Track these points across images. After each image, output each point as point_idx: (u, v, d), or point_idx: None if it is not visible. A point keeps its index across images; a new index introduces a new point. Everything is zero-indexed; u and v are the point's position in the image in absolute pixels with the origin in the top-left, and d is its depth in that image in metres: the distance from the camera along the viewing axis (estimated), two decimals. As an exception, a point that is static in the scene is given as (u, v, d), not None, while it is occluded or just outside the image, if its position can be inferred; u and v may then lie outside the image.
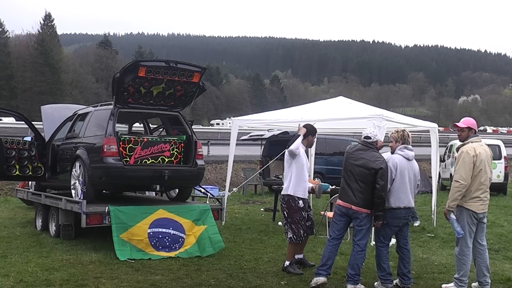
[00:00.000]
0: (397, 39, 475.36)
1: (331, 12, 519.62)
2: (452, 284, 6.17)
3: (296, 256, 7.11)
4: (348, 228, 6.69)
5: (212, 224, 8.36)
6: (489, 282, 6.15)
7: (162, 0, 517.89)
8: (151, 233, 7.80)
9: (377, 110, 10.46)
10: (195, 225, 8.18)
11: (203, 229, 8.19)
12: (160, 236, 7.84)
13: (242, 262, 7.47)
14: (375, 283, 6.29)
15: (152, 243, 7.73)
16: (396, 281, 6.26)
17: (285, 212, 7.00)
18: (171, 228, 7.96)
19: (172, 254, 7.74)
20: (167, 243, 7.82)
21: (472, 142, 6.07)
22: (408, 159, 6.17)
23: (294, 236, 6.90)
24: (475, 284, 6.24)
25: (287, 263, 6.93)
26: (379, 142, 6.39)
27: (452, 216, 5.99)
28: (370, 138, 6.24)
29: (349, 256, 6.32)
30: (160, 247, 7.75)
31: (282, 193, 7.08)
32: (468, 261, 6.02)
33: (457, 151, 6.22)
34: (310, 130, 7.12)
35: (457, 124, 6.21)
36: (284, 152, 7.13)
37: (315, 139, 7.26)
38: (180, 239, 7.94)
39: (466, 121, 6.21)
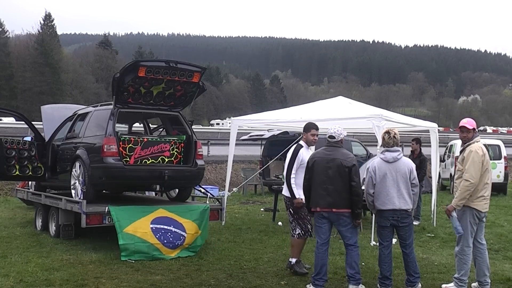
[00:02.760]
0: (397, 39, 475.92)
1: (331, 12, 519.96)
2: (452, 284, 6.17)
3: (290, 259, 7.03)
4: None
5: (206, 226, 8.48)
6: (489, 282, 6.15)
7: (162, 0, 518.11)
8: (154, 228, 7.85)
9: (377, 110, 10.46)
10: (195, 225, 8.19)
11: (201, 228, 8.26)
12: (163, 231, 7.87)
13: (242, 262, 7.47)
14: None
15: (157, 236, 7.76)
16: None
17: (290, 210, 6.92)
18: (172, 226, 7.99)
19: (174, 252, 7.76)
20: (170, 238, 7.85)
21: (477, 142, 6.09)
22: (388, 162, 6.09)
23: (302, 232, 6.84)
24: (475, 284, 6.24)
25: (293, 260, 6.85)
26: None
27: (454, 214, 5.99)
28: (334, 137, 6.16)
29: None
30: (165, 241, 7.77)
31: (284, 194, 7.01)
32: (468, 260, 6.02)
33: (461, 152, 6.19)
34: (304, 128, 7.04)
35: (465, 125, 6.15)
36: (284, 152, 7.12)
37: (315, 137, 6.97)
38: (181, 237, 7.95)
39: (471, 123, 6.21)
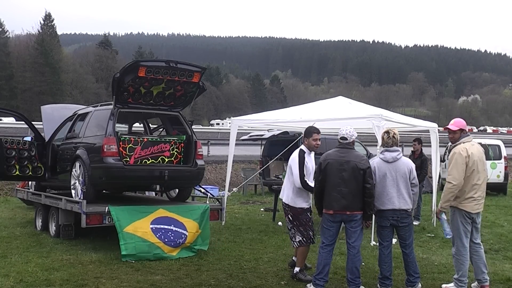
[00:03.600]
0: (397, 39, 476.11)
1: (331, 12, 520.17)
2: (452, 284, 6.17)
3: (294, 258, 6.95)
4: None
5: (207, 225, 8.43)
6: (487, 279, 6.13)
7: (162, 0, 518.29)
8: (154, 228, 7.84)
9: (377, 110, 10.45)
10: (196, 223, 8.18)
11: (201, 227, 8.25)
12: (163, 230, 7.87)
13: (242, 262, 7.47)
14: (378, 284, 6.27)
15: (157, 235, 7.76)
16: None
17: (289, 216, 6.69)
18: (172, 225, 7.98)
19: (176, 251, 7.75)
20: (172, 237, 7.84)
21: (463, 142, 6.06)
22: (388, 162, 6.08)
23: (304, 239, 6.60)
24: (474, 284, 6.24)
25: (297, 269, 6.64)
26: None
27: (443, 216, 6.02)
28: (346, 139, 6.10)
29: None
30: (166, 240, 7.76)
31: (283, 200, 6.78)
32: (465, 261, 6.01)
33: (449, 152, 6.20)
34: (305, 133, 6.73)
35: (449, 127, 6.18)
36: (284, 152, 7.01)
37: (318, 142, 6.64)
38: (183, 235, 7.95)
39: (457, 123, 6.20)
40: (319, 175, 6.10)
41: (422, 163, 10.90)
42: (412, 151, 11.45)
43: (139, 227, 7.76)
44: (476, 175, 5.96)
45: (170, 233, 7.87)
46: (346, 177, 5.93)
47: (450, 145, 6.33)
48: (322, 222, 6.23)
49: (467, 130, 6.22)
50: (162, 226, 7.91)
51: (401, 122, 10.67)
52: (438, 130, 11.77)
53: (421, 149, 11.35)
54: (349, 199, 5.93)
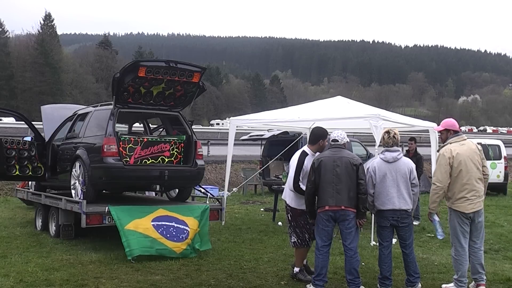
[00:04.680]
0: (397, 39, 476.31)
1: (331, 12, 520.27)
2: (452, 284, 6.17)
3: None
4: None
5: (206, 224, 8.40)
6: (484, 278, 6.11)
7: (162, 0, 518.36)
8: (155, 225, 7.84)
9: (375, 110, 10.46)
10: (197, 221, 8.17)
11: (200, 225, 8.23)
12: (164, 227, 7.86)
13: (242, 262, 7.47)
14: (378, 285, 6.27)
15: (159, 231, 7.75)
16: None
17: (288, 215, 6.69)
18: (173, 222, 7.98)
19: (181, 246, 7.72)
20: (174, 233, 7.83)
21: (450, 143, 6.05)
22: (388, 162, 6.11)
23: (299, 241, 6.58)
24: (473, 284, 6.22)
25: (296, 269, 6.64)
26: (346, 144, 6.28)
27: (436, 218, 6.06)
28: (338, 141, 6.17)
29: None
30: (168, 235, 7.75)
31: (284, 199, 6.77)
32: (464, 261, 5.99)
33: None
34: (320, 135, 6.60)
35: (434, 128, 6.22)
36: (284, 152, 6.99)
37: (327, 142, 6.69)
38: (185, 231, 7.94)
39: (443, 123, 6.22)
40: (312, 175, 6.11)
41: (417, 161, 10.90)
42: (406, 150, 11.51)
43: (140, 224, 7.75)
44: (466, 175, 5.92)
45: (172, 229, 7.86)
46: (339, 172, 5.98)
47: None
48: (316, 223, 6.20)
49: (457, 130, 6.19)
50: (163, 223, 7.90)
51: (399, 122, 10.67)
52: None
53: (416, 148, 11.40)
54: (343, 194, 5.95)
